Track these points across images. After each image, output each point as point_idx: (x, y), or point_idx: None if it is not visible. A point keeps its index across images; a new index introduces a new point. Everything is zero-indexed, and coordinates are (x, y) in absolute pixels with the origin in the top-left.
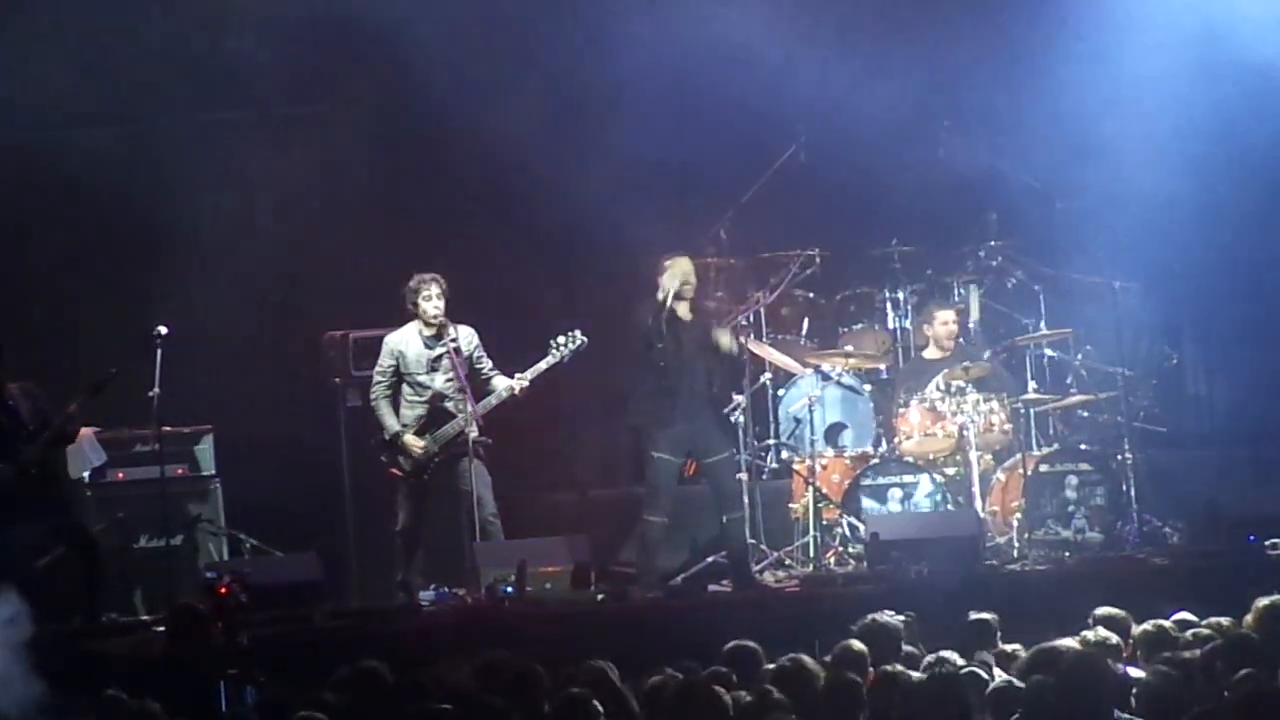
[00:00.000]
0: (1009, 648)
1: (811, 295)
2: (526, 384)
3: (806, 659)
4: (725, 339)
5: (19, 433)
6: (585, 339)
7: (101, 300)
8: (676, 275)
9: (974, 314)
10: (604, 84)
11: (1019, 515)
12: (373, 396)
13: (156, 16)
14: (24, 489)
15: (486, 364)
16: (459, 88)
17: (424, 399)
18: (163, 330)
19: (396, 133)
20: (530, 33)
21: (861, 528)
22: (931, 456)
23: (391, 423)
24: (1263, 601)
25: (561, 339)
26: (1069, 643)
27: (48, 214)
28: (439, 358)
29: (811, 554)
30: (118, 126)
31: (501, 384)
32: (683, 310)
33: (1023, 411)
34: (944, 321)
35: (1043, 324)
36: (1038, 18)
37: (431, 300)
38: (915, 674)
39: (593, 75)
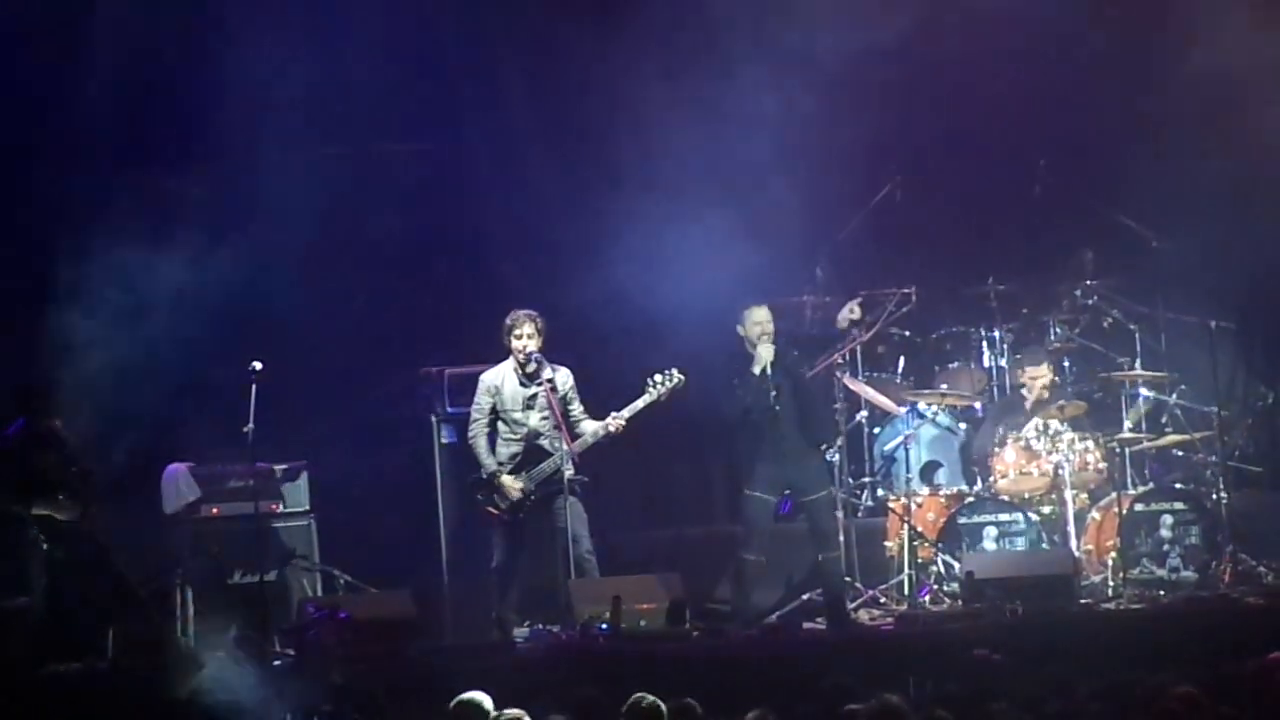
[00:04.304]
0: None
1: (907, 333)
2: (622, 423)
3: (894, 699)
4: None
5: (69, 470)
6: (683, 377)
7: (197, 335)
8: (753, 326)
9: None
10: (702, 122)
11: (1114, 554)
12: (470, 434)
13: (259, 47)
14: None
15: (577, 407)
16: (561, 127)
17: (519, 437)
18: (257, 366)
19: (494, 169)
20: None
21: (957, 566)
22: (1027, 495)
23: (489, 461)
24: None
25: (659, 377)
26: None
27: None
28: (534, 396)
29: (906, 592)
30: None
31: (590, 427)
32: (766, 355)
33: (1118, 451)
34: (1033, 377)
35: (1138, 363)
36: (1133, 58)
37: (524, 338)
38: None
39: (691, 115)
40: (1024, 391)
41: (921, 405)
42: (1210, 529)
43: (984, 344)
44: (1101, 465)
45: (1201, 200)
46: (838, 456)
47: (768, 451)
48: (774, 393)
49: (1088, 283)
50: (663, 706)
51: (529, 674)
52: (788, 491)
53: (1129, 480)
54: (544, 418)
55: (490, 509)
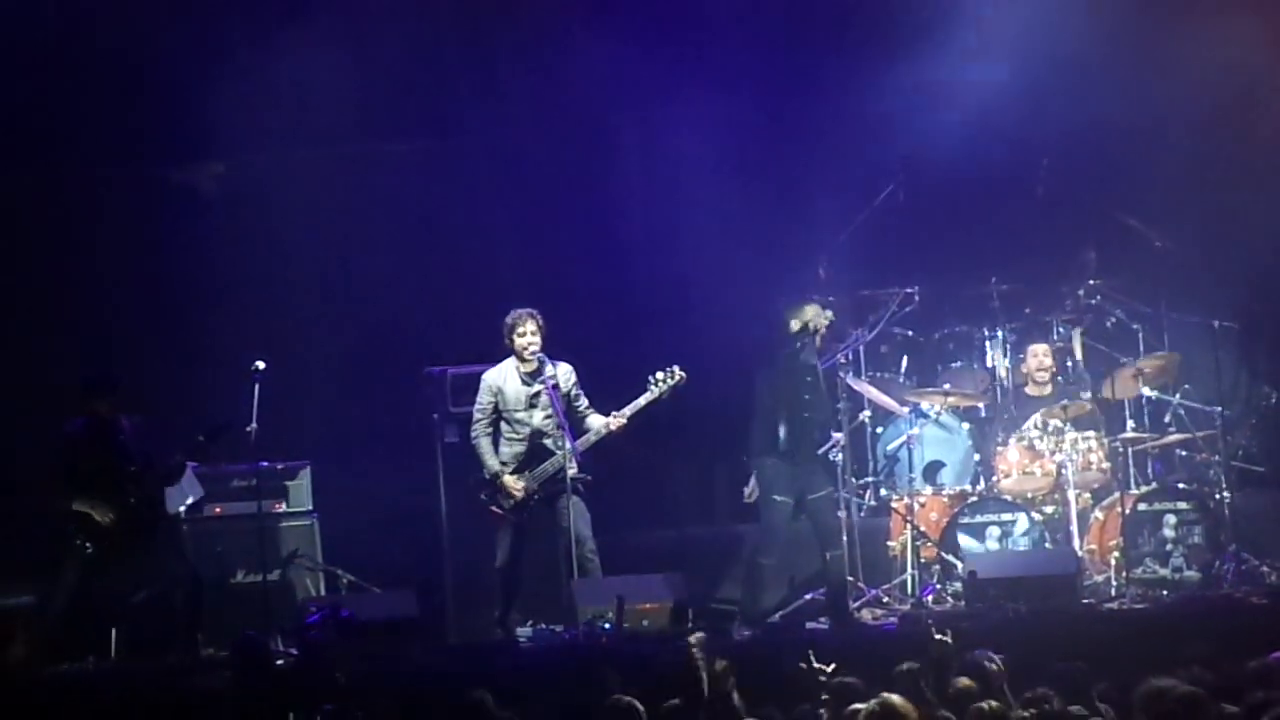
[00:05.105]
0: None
1: (910, 333)
2: (624, 421)
3: (896, 698)
4: None
5: (125, 469)
6: (684, 375)
7: (200, 334)
8: (813, 318)
9: (1076, 353)
10: (702, 124)
11: (1117, 554)
12: (473, 434)
13: (244, 53)
14: (127, 526)
15: (583, 401)
16: (561, 125)
17: (522, 436)
18: (260, 365)
19: (494, 168)
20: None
21: (959, 565)
22: (1030, 495)
23: (492, 461)
24: None
25: (660, 375)
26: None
27: (145, 247)
28: (537, 394)
29: (909, 592)
30: (217, 161)
31: (597, 422)
32: (825, 315)
33: (1121, 450)
34: (1035, 354)
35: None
36: (1136, 57)
37: (527, 336)
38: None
39: (692, 115)
40: (1026, 390)
41: (924, 405)
42: (1213, 529)
43: (987, 344)
44: (1105, 465)
45: (1205, 200)
46: (841, 456)
47: (793, 454)
48: (808, 380)
49: (1091, 282)
50: (639, 707)
51: (531, 674)
52: (797, 492)
53: (1132, 480)
54: (547, 416)
55: (494, 508)
